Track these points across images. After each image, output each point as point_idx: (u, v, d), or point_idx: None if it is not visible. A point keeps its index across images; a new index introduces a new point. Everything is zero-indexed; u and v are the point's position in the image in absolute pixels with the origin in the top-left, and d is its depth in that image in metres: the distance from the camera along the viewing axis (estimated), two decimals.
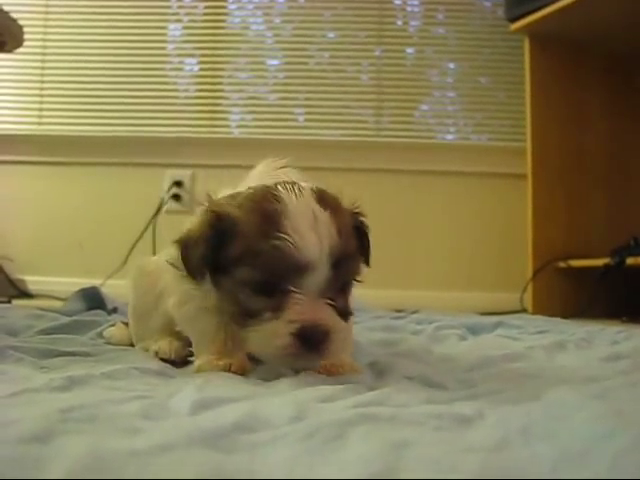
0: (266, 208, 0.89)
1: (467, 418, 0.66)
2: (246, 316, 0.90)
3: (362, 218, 1.01)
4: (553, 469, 0.51)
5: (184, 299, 1.05)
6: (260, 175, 1.10)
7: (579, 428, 0.59)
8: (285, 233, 0.85)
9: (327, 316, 0.89)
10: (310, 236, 0.86)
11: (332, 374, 0.94)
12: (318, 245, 0.86)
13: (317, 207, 0.90)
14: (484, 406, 0.71)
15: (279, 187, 0.92)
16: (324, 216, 0.89)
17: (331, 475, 0.48)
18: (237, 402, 0.71)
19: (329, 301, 0.90)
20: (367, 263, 1.02)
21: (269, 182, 0.96)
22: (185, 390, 0.75)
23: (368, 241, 1.01)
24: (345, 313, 0.94)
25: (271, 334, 0.87)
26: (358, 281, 0.98)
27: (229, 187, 1.04)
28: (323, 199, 0.92)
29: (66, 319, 1.60)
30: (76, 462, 0.44)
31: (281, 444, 0.55)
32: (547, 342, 1.40)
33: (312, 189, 0.93)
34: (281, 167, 1.11)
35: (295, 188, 0.92)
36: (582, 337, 1.51)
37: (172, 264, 1.01)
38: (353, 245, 0.94)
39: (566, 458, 0.52)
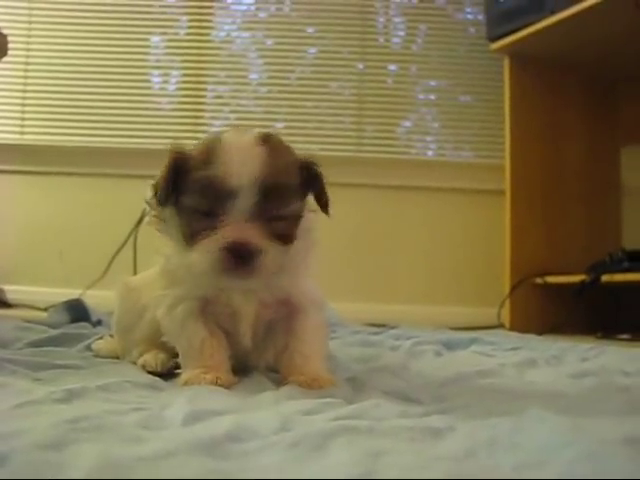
0: (208, 145, 1.04)
1: (438, 430, 0.72)
2: (191, 238, 1.02)
3: (314, 165, 1.10)
4: (513, 475, 0.56)
5: (174, 302, 1.11)
6: None
7: (540, 439, 0.65)
8: (216, 164, 0.99)
9: (254, 236, 0.99)
10: (236, 167, 0.99)
11: (312, 388, 1.01)
12: (242, 174, 0.98)
13: (253, 145, 1.02)
14: (455, 419, 0.77)
15: (230, 131, 1.06)
16: (257, 152, 1.01)
17: (317, 477, 0.54)
18: (226, 414, 0.76)
19: (261, 225, 1.00)
20: (325, 207, 1.11)
21: None
22: (177, 403, 0.80)
23: (322, 185, 1.10)
24: (286, 238, 1.04)
25: (205, 250, 1.00)
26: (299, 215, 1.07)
27: None
28: (266, 141, 1.03)
29: (54, 332, 1.64)
30: (93, 465, 0.49)
31: (270, 452, 0.61)
32: (519, 359, 1.46)
33: (260, 133, 1.05)
34: None
35: (242, 131, 1.06)
36: (553, 354, 1.57)
37: (148, 203, 1.15)
38: (289, 180, 1.04)
39: (526, 466, 0.58)
